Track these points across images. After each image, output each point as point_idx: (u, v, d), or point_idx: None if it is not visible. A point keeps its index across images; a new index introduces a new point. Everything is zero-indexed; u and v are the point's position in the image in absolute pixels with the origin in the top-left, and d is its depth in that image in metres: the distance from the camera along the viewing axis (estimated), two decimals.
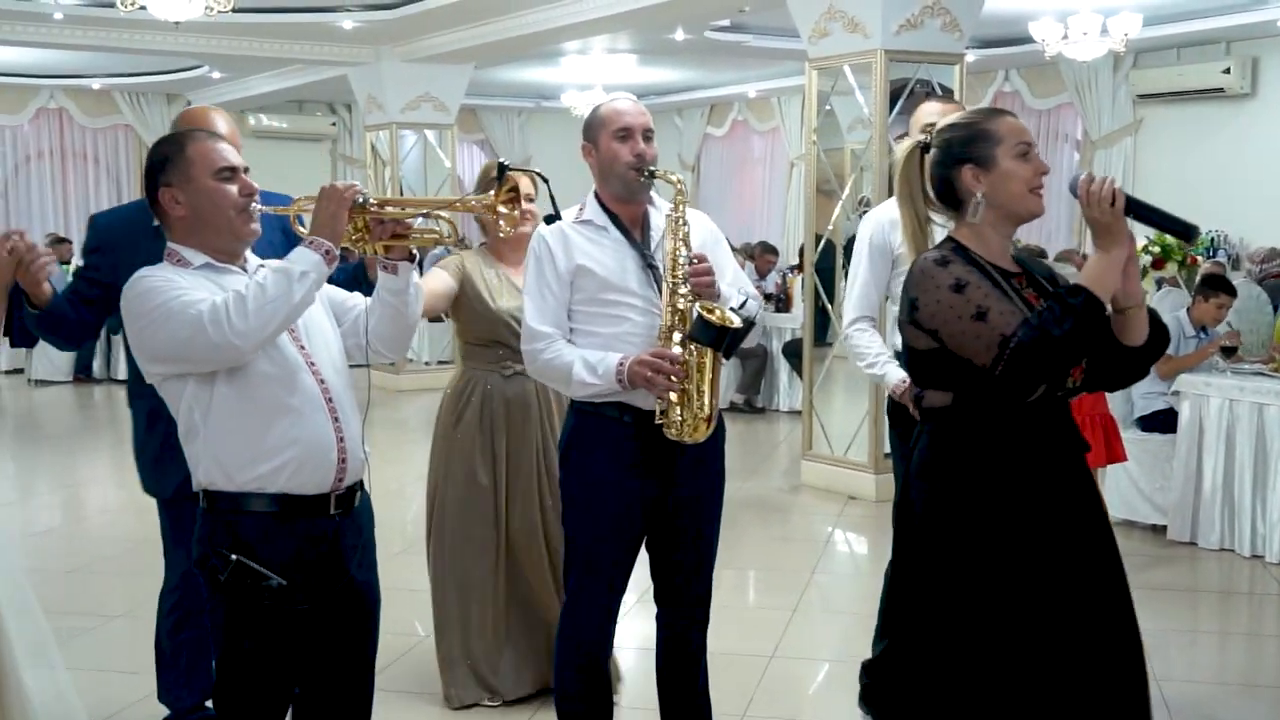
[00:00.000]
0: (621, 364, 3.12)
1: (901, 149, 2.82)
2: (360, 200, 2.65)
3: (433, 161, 13.01)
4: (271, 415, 2.62)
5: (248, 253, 2.79)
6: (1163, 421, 6.57)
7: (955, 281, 2.59)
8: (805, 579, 5.83)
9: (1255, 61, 11.62)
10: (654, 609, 3.45)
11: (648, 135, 3.25)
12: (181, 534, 3.58)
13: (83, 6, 10.26)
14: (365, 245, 2.75)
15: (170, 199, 2.68)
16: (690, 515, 3.32)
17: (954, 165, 2.68)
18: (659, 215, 3.31)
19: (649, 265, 3.23)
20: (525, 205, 3.93)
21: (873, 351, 3.95)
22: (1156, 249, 9.86)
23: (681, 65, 13.94)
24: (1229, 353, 6.49)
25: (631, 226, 3.28)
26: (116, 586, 5.80)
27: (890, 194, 4.24)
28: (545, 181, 3.14)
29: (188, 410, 2.64)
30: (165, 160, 2.68)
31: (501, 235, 2.82)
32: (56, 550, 6.50)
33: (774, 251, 12.65)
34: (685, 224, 3.20)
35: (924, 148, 2.77)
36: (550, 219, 3.10)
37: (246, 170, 2.72)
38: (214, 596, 2.68)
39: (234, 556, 2.60)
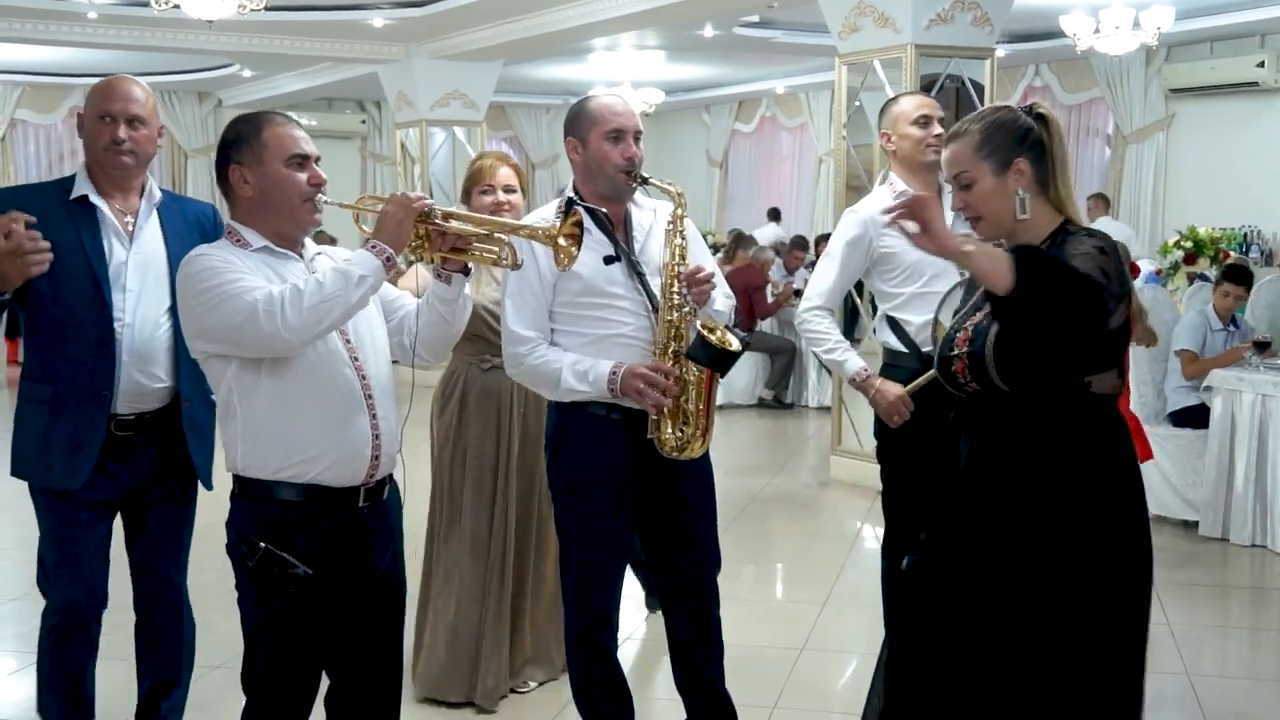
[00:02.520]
0: (614, 373, 3.12)
1: None
2: (427, 211, 2.67)
3: (461, 159, 13.03)
4: (310, 408, 2.65)
5: (307, 240, 2.82)
6: (1194, 417, 6.53)
7: None
8: (835, 573, 5.83)
9: None
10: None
11: (637, 137, 3.22)
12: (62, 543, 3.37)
13: (116, 6, 10.34)
14: (424, 254, 2.76)
15: (239, 177, 2.70)
16: (683, 510, 3.33)
17: None
18: (641, 213, 3.30)
19: (633, 267, 3.22)
20: (503, 196, 3.95)
21: (832, 338, 3.92)
22: (1189, 244, 9.81)
23: (710, 61, 13.94)
24: (1262, 348, 6.45)
25: (615, 226, 3.26)
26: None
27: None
28: (610, 223, 3.17)
29: (227, 392, 2.68)
30: (239, 139, 2.71)
31: (560, 269, 2.85)
32: None
33: (804, 247, 12.61)
34: (683, 237, 3.18)
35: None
36: (610, 259, 3.12)
37: (318, 160, 2.75)
38: (243, 582, 2.72)
39: (262, 544, 2.64)
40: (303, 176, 2.70)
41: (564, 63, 13.90)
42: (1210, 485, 6.27)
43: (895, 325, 3.90)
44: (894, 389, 3.73)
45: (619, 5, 9.88)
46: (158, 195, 3.40)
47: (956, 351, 2.65)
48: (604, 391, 3.14)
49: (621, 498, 3.25)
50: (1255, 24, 11.16)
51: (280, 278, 2.66)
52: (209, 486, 3.48)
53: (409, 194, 2.66)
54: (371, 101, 16.89)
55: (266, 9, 8.90)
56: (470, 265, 2.83)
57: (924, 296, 3.70)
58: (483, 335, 3.94)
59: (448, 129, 12.86)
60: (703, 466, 3.36)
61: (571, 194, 3.26)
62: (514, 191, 4.00)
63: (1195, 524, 6.38)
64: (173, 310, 3.25)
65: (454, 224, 2.74)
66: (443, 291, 2.81)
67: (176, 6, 8.58)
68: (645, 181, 3.19)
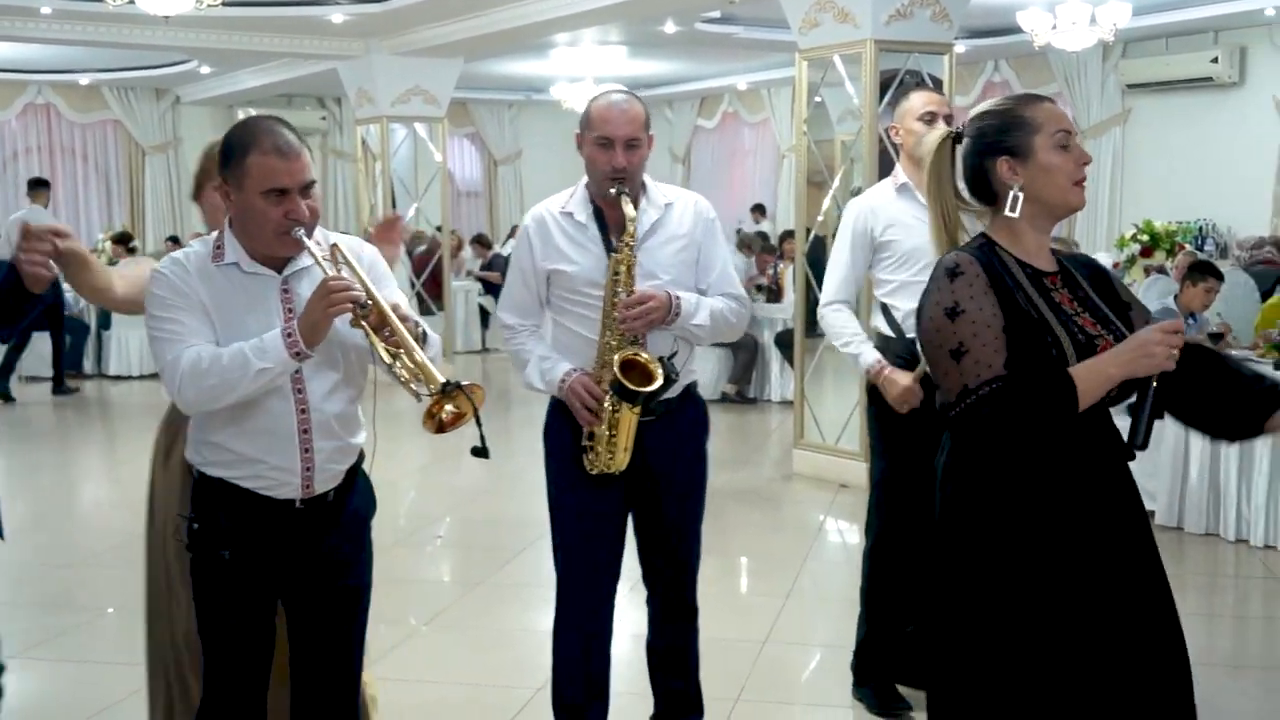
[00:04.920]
0: (565, 379, 3.23)
1: (931, 139, 2.58)
2: (358, 306, 2.50)
3: (423, 155, 13.02)
4: (239, 432, 2.65)
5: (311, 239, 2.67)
6: None
7: (953, 305, 2.37)
8: (798, 566, 5.86)
9: (1243, 51, 11.67)
10: (644, 596, 3.50)
11: (631, 144, 3.20)
12: None
13: (72, 1, 10.24)
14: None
15: (224, 192, 2.66)
16: (665, 503, 3.37)
17: (989, 155, 2.46)
18: (647, 213, 3.29)
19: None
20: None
21: (849, 331, 3.98)
22: (1145, 238, 9.91)
23: (672, 57, 13.95)
24: (1217, 339, 6.53)
25: (613, 225, 3.28)
26: (108, 581, 5.82)
27: (879, 180, 4.28)
28: (480, 425, 2.62)
29: None
30: (228, 155, 2.62)
31: (426, 428, 2.57)
32: (48, 546, 6.49)
33: (773, 251, 12.65)
34: (629, 267, 3.19)
35: (955, 138, 2.54)
36: (476, 450, 2.71)
37: (308, 188, 2.62)
38: (186, 554, 2.78)
39: (195, 524, 2.69)
40: (278, 211, 2.57)
41: (526, 58, 13.88)
42: (1166, 476, 6.34)
43: (886, 311, 3.99)
44: (903, 378, 3.81)
45: (581, 1, 9.88)
46: None
47: None
48: (555, 393, 3.27)
49: (609, 486, 3.29)
50: (1209, 20, 11.30)
51: (235, 300, 2.61)
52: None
53: (336, 290, 2.49)
54: (332, 98, 16.81)
55: (224, 4, 8.85)
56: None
57: (913, 285, 3.74)
58: None
59: (409, 125, 12.81)
60: (694, 457, 3.42)
61: (583, 187, 3.34)
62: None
63: (1152, 513, 6.43)
64: None
65: (375, 338, 2.54)
66: None
67: (131, 2, 8.51)
68: (620, 195, 3.19)
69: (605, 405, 3.20)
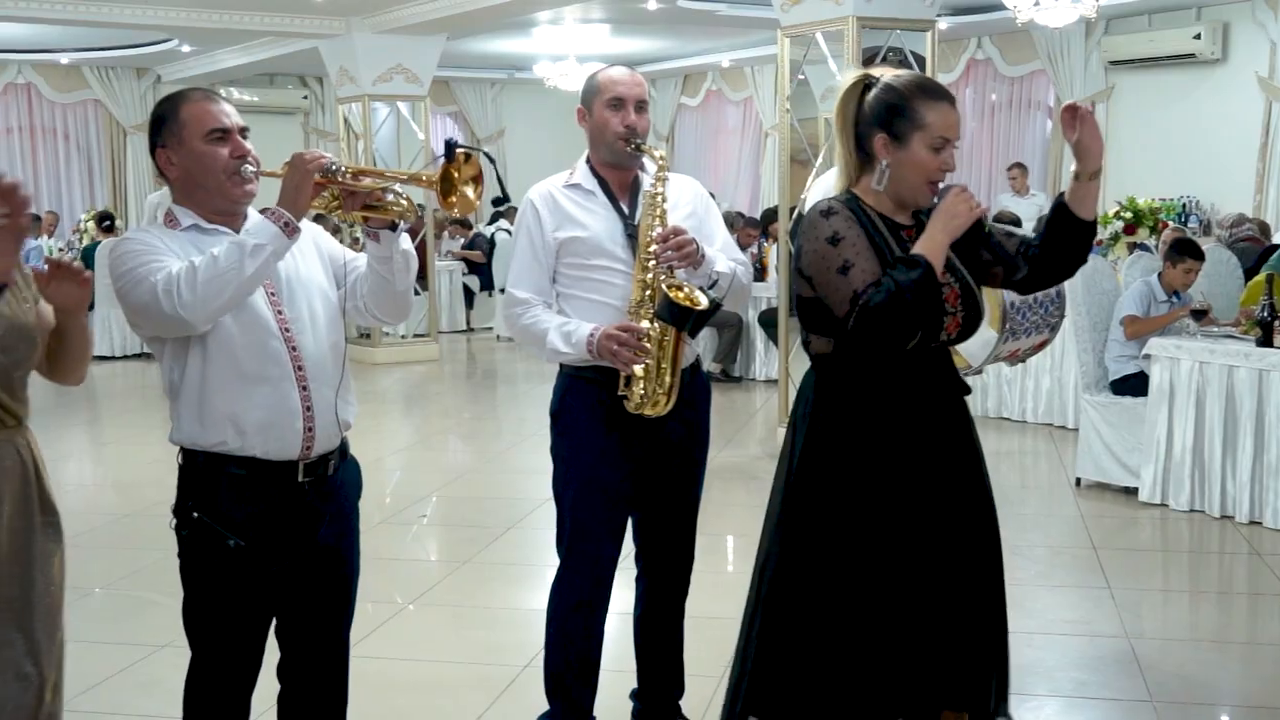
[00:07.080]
0: (592, 335, 3.19)
1: (844, 82, 2.83)
2: (331, 170, 2.63)
3: (406, 134, 12.96)
4: (236, 380, 2.64)
5: (250, 210, 2.78)
6: (1134, 385, 6.63)
7: (832, 234, 2.70)
8: None
9: (1225, 27, 11.68)
10: (631, 573, 3.50)
11: (640, 106, 3.29)
12: None
13: None
14: (343, 216, 2.75)
15: (165, 160, 2.70)
16: (676, 478, 3.40)
17: (873, 126, 2.74)
18: (651, 181, 3.33)
19: (632, 233, 3.28)
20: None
21: None
22: (1129, 214, 9.94)
23: (654, 35, 13.90)
24: (1200, 316, 6.55)
25: (620, 193, 3.34)
26: (94, 560, 5.79)
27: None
28: (492, 162, 2.98)
29: (168, 369, 2.69)
30: (161, 121, 2.71)
31: (454, 215, 2.75)
32: None
33: (756, 225, 12.64)
34: (664, 200, 3.24)
35: (867, 86, 2.78)
36: (498, 200, 3.10)
37: (244, 131, 2.71)
38: (181, 549, 2.74)
39: (195, 514, 2.66)
40: (224, 150, 2.66)
41: (508, 36, 13.82)
42: (1150, 452, 6.37)
43: None
44: None
45: None
46: None
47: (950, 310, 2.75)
48: (584, 354, 3.21)
49: (620, 464, 3.30)
50: None
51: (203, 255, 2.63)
52: None
53: (305, 155, 2.62)
54: (314, 76, 16.71)
55: None
56: (397, 220, 2.77)
57: None
58: None
59: (391, 104, 12.74)
60: (702, 438, 3.48)
61: (584, 163, 3.36)
62: None
63: (1135, 490, 6.48)
64: None
65: (364, 181, 2.70)
66: (375, 250, 2.77)
67: None
68: (639, 149, 3.26)
69: (653, 335, 3.17)
